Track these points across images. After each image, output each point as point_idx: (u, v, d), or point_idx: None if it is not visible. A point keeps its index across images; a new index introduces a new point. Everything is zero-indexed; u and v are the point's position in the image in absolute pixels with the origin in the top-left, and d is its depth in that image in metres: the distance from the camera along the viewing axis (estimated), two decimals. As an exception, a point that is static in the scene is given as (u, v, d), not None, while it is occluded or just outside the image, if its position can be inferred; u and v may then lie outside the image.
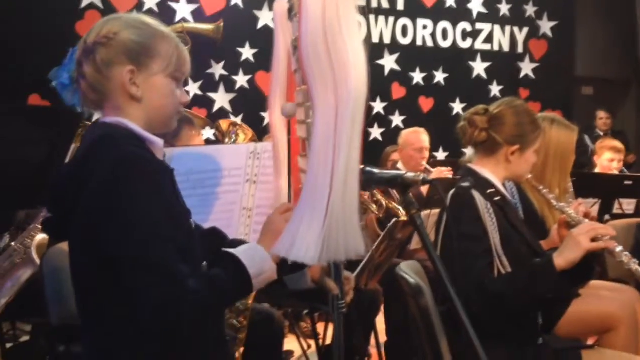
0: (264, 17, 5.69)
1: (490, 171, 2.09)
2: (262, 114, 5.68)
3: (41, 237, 2.44)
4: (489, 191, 2.02)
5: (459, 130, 2.19)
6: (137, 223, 1.20)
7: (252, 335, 2.53)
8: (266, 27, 5.67)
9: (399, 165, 4.24)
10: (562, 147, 2.58)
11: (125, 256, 1.20)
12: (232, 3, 5.60)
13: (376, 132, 6.15)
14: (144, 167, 1.25)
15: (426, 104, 6.40)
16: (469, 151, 2.29)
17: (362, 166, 1.32)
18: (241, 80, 5.65)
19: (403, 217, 3.35)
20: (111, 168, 1.23)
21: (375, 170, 1.32)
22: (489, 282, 1.84)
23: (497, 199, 2.03)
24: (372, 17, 6.12)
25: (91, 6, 5.12)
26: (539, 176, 2.46)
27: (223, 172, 1.85)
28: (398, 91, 6.28)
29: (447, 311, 1.96)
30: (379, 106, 6.18)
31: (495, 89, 6.64)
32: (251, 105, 5.66)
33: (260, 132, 4.70)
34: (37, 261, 2.34)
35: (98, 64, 1.34)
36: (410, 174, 1.32)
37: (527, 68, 6.78)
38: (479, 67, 6.58)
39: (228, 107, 5.63)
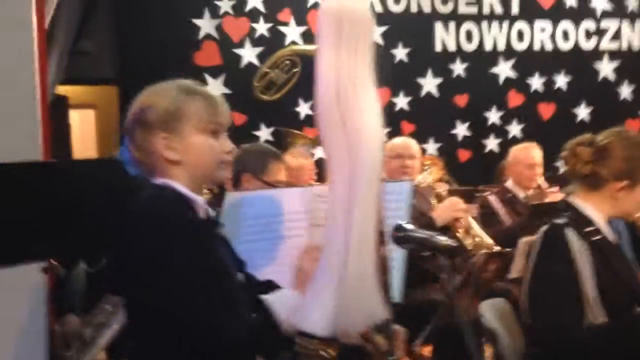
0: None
1: (593, 207, 1.93)
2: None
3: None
4: (588, 229, 1.88)
5: (562, 159, 2.05)
6: (179, 276, 1.30)
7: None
8: (374, 43, 5.66)
9: (509, 183, 4.04)
10: None
11: (169, 308, 1.31)
12: (340, 22, 5.64)
13: (492, 144, 5.92)
14: (184, 228, 1.34)
15: (547, 110, 6.06)
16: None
17: (399, 222, 1.29)
18: (350, 97, 5.68)
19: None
20: (156, 227, 1.34)
21: (409, 228, 1.28)
22: (576, 329, 1.71)
23: (596, 238, 1.87)
24: (484, 24, 5.91)
25: (208, 37, 5.40)
26: None
27: (289, 215, 1.88)
28: (515, 99, 6.00)
29: (534, 355, 1.86)
30: (494, 116, 5.95)
31: (625, 91, 6.15)
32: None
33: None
34: None
35: (137, 141, 1.44)
36: (441, 239, 1.25)
37: (662, 66, 6.22)
38: (606, 68, 6.13)
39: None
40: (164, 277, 1.30)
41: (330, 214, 1.16)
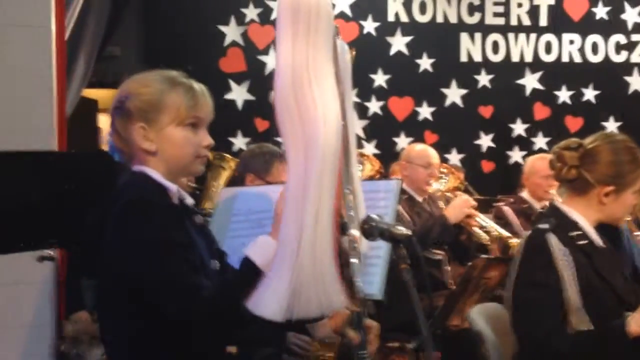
0: (396, 44, 5.70)
1: (580, 212, 1.89)
2: (395, 139, 5.70)
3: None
4: (573, 234, 1.83)
5: (549, 164, 2.02)
6: (146, 250, 1.37)
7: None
8: (399, 53, 5.69)
9: (524, 194, 3.98)
10: None
11: (143, 279, 1.39)
12: (365, 31, 5.67)
13: (517, 156, 5.85)
14: (150, 208, 1.41)
15: (574, 124, 5.97)
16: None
17: (368, 215, 1.30)
18: (374, 106, 5.69)
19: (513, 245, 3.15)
20: (123, 210, 1.41)
21: (375, 219, 1.28)
22: (555, 338, 1.67)
23: (582, 243, 1.83)
24: (511, 35, 5.86)
25: (233, 44, 5.48)
26: None
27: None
28: (541, 111, 5.93)
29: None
30: (519, 128, 5.88)
31: (656, 106, 6.02)
32: (384, 131, 5.69)
33: (394, 157, 4.75)
34: None
35: (118, 129, 1.48)
36: (399, 228, 1.26)
37: (693, 81, 6.06)
38: (636, 82, 6.01)
39: (361, 134, 5.70)
40: (128, 250, 1.38)
41: (285, 205, 1.18)
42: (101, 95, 5.65)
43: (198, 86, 1.53)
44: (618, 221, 1.95)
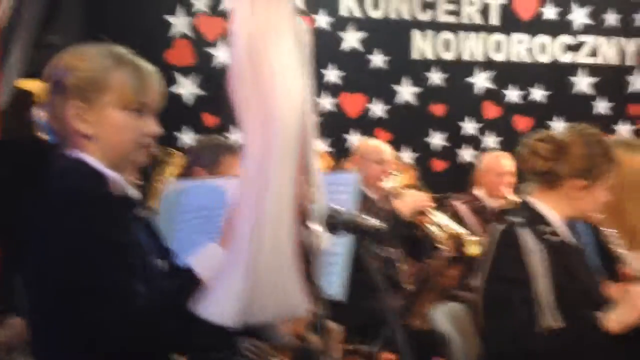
0: (349, 39, 5.62)
1: (551, 207, 1.86)
2: (346, 136, 5.62)
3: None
4: (544, 229, 1.79)
5: (518, 157, 1.97)
6: (75, 248, 1.20)
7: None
8: (352, 49, 5.61)
9: (476, 191, 3.96)
10: (637, 175, 2.23)
11: (70, 283, 1.21)
12: (316, 25, 5.57)
13: (467, 155, 5.85)
14: (83, 199, 1.23)
15: (523, 123, 6.01)
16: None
17: (332, 205, 1.19)
18: (325, 102, 5.59)
19: (471, 247, 3.11)
20: (54, 202, 1.24)
21: (339, 211, 1.17)
22: (526, 336, 1.61)
23: (553, 239, 1.79)
24: (461, 34, 5.86)
25: (181, 35, 5.28)
26: (616, 214, 2.13)
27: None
28: (491, 110, 5.95)
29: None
30: (470, 127, 5.89)
31: (601, 106, 6.13)
32: (335, 128, 5.60)
33: (345, 154, 4.67)
34: None
35: (51, 106, 1.32)
36: (365, 219, 1.15)
37: (638, 82, 6.21)
38: (583, 83, 6.11)
39: (312, 130, 5.59)
40: (59, 249, 1.22)
41: (241, 192, 1.04)
42: (38, 86, 5.36)
43: (147, 67, 1.38)
44: (589, 217, 1.92)
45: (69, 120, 1.31)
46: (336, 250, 1.51)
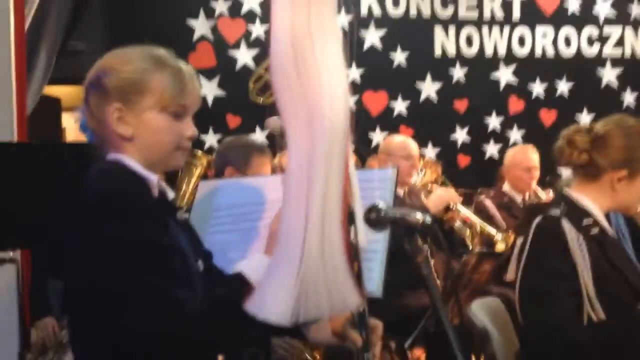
0: (370, 37, 5.60)
1: (590, 199, 1.82)
2: (371, 134, 5.60)
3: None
4: (585, 223, 1.76)
5: (555, 150, 1.93)
6: (119, 253, 1.18)
7: (327, 373, 2.40)
8: (372, 47, 5.59)
9: (505, 186, 3.92)
10: None
11: (113, 288, 1.19)
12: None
13: (492, 150, 5.80)
14: (125, 202, 1.22)
15: (548, 117, 5.95)
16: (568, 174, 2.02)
17: (373, 203, 1.17)
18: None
19: (499, 244, 3.08)
20: (93, 205, 1.22)
21: (383, 208, 1.15)
22: (570, 329, 1.58)
23: (594, 231, 1.75)
24: (485, 29, 5.81)
25: (203, 38, 5.30)
26: None
27: (267, 204, 1.75)
28: (516, 105, 5.89)
29: (525, 358, 1.72)
30: (494, 121, 5.83)
31: (628, 98, 6.04)
32: (359, 126, 5.57)
33: (370, 152, 4.65)
34: None
35: (91, 107, 1.32)
36: (416, 215, 1.13)
37: (665, 73, 6.10)
38: (609, 75, 6.02)
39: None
40: (100, 254, 1.20)
41: (287, 191, 1.02)
42: (65, 92, 5.41)
43: (187, 69, 1.37)
44: (630, 209, 1.89)
45: (109, 122, 1.32)
46: (374, 247, 1.49)
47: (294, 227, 1.00)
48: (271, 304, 0.99)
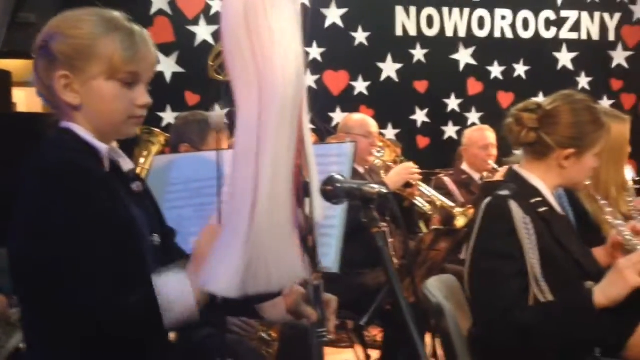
0: (332, 15, 5.56)
1: (539, 177, 1.80)
2: (331, 114, 5.58)
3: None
4: (533, 201, 1.75)
5: (505, 128, 1.92)
6: (61, 229, 1.14)
7: (285, 351, 2.40)
8: (334, 25, 5.54)
9: (463, 165, 3.96)
10: (613, 141, 2.11)
11: (53, 266, 1.15)
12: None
13: (451, 131, 5.85)
14: (71, 173, 1.18)
15: (505, 99, 6.01)
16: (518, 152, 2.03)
17: (332, 174, 1.16)
18: (308, 80, 5.54)
19: (459, 218, 3.11)
20: (34, 178, 1.18)
21: (338, 179, 1.14)
22: (517, 310, 1.59)
23: (542, 210, 1.75)
24: (445, 10, 5.83)
25: (160, 12, 5.18)
26: (592, 177, 2.11)
27: (223, 179, 1.72)
28: (474, 86, 5.95)
29: (475, 336, 1.74)
30: (453, 103, 5.88)
31: (583, 81, 6.15)
32: (319, 106, 5.54)
33: (329, 132, 4.62)
34: None
35: (39, 73, 1.27)
36: (371, 186, 1.12)
37: (619, 57, 6.23)
38: (565, 58, 6.12)
39: (295, 108, 5.53)
40: (40, 231, 1.15)
41: (235, 159, 1.00)
42: (15, 66, 5.22)
43: (140, 33, 1.29)
44: (578, 185, 1.88)
45: (57, 89, 1.26)
46: (331, 223, 1.48)
47: (241, 200, 0.98)
48: (219, 277, 0.97)
